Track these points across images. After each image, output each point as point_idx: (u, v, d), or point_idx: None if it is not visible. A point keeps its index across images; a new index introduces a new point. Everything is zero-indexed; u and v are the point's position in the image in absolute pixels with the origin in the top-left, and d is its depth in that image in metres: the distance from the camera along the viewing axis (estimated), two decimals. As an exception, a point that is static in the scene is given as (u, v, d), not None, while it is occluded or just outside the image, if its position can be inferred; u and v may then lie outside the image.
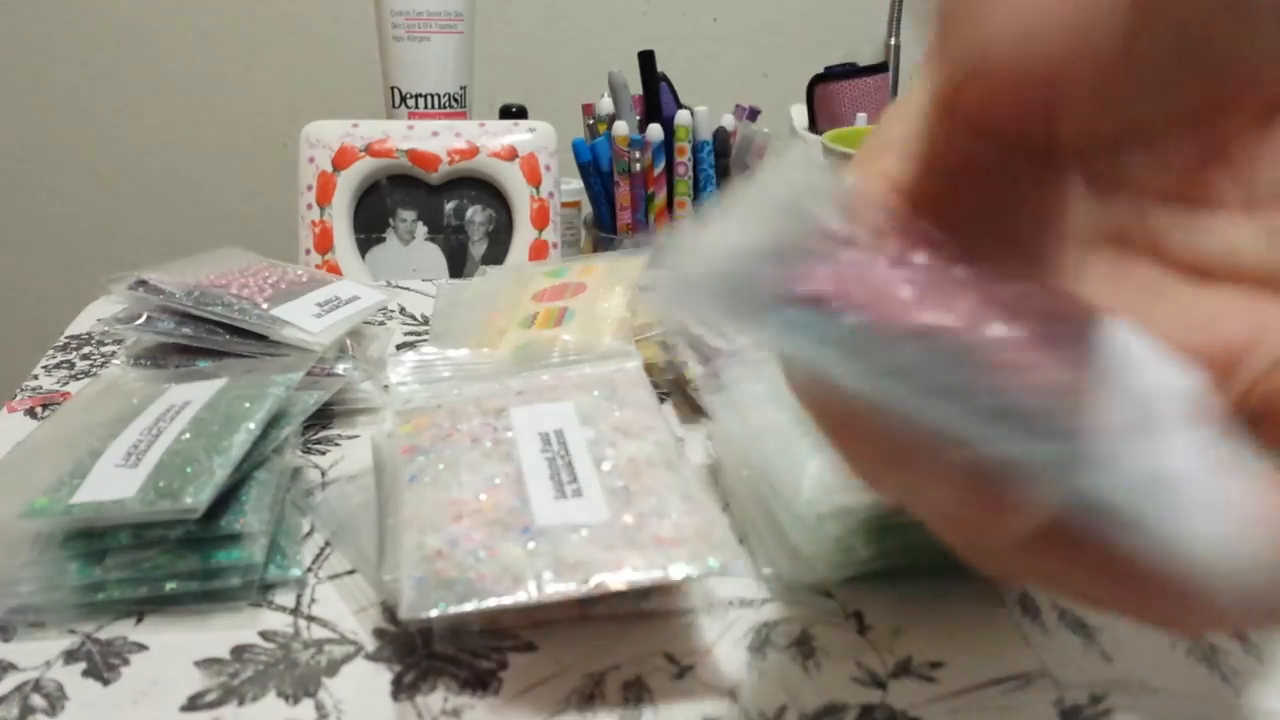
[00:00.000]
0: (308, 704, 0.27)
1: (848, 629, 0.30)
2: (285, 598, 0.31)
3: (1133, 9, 0.16)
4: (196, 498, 0.29)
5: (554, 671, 0.28)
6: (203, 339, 0.41)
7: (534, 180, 0.84)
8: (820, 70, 0.98)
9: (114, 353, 0.49)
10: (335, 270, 0.83)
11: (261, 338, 0.41)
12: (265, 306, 0.42)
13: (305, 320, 0.42)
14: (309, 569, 0.33)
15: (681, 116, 0.81)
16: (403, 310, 0.56)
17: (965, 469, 0.15)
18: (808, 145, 0.95)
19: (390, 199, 0.82)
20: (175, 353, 0.42)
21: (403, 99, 0.87)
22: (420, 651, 0.29)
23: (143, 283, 0.42)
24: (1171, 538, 0.14)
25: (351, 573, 0.32)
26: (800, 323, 0.15)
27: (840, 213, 0.17)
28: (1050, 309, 0.16)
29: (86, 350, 0.50)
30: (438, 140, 0.80)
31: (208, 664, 0.28)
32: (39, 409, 0.43)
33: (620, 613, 0.30)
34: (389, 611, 0.30)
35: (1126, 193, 0.20)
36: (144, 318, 0.42)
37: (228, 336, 0.41)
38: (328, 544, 0.34)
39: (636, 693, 0.27)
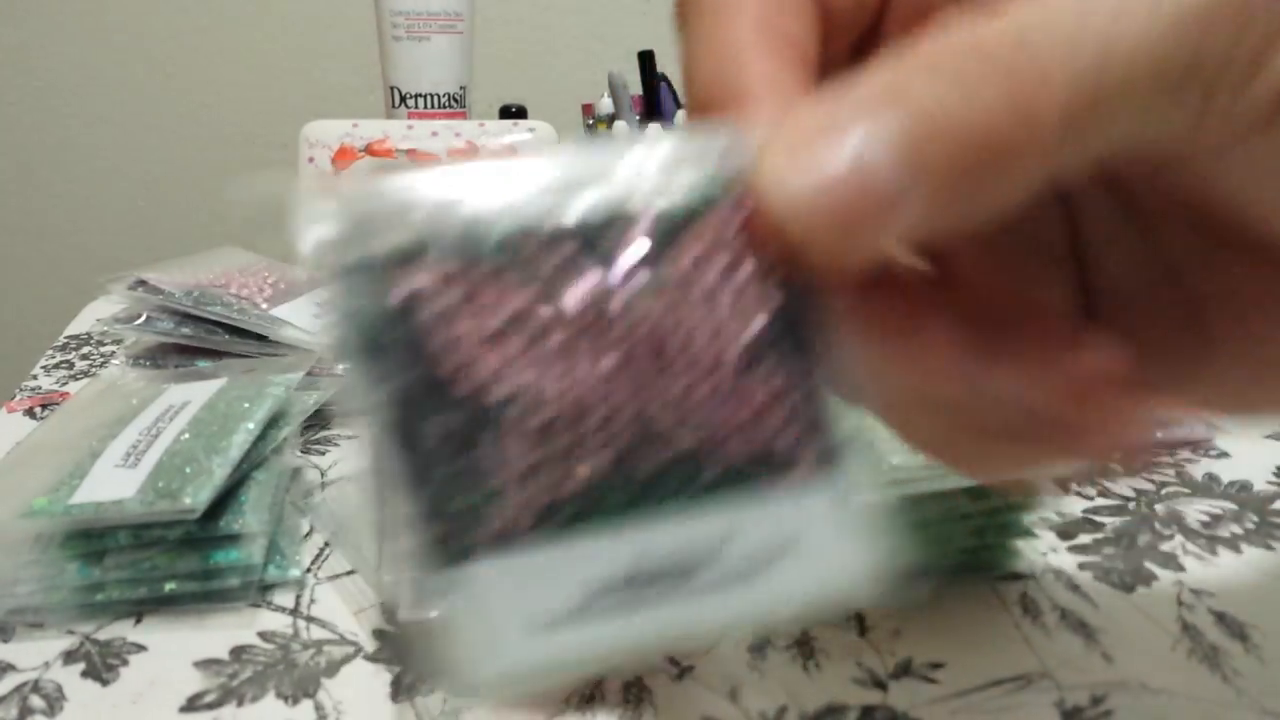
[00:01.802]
0: (307, 705, 0.27)
1: (848, 629, 0.30)
2: (284, 598, 0.31)
3: None
4: (195, 498, 0.29)
5: (553, 672, 0.28)
6: (202, 339, 0.41)
7: (534, 180, 0.84)
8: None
9: (113, 353, 0.49)
10: (335, 270, 0.83)
11: (261, 338, 0.41)
12: (264, 306, 0.42)
13: (305, 320, 0.42)
14: (308, 570, 0.32)
15: (681, 117, 0.81)
16: (402, 310, 0.56)
17: None
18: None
19: (390, 199, 0.83)
20: (174, 353, 0.42)
21: (402, 99, 0.87)
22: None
23: (142, 282, 0.42)
24: None
25: (351, 573, 0.32)
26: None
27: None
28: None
29: (86, 350, 0.50)
30: (437, 140, 0.80)
31: (207, 665, 0.28)
32: (38, 409, 0.43)
33: (620, 613, 0.30)
34: (389, 612, 0.30)
35: None
36: (143, 317, 0.41)
37: (227, 336, 0.41)
38: (327, 545, 0.34)
39: (636, 694, 0.27)
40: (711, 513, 0.15)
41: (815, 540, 0.15)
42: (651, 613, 0.14)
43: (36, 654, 0.29)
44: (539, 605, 0.14)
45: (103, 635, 0.29)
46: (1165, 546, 0.34)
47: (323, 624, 0.30)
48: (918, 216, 0.15)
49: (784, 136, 0.15)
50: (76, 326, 0.53)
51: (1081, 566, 0.32)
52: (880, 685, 0.27)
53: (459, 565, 0.14)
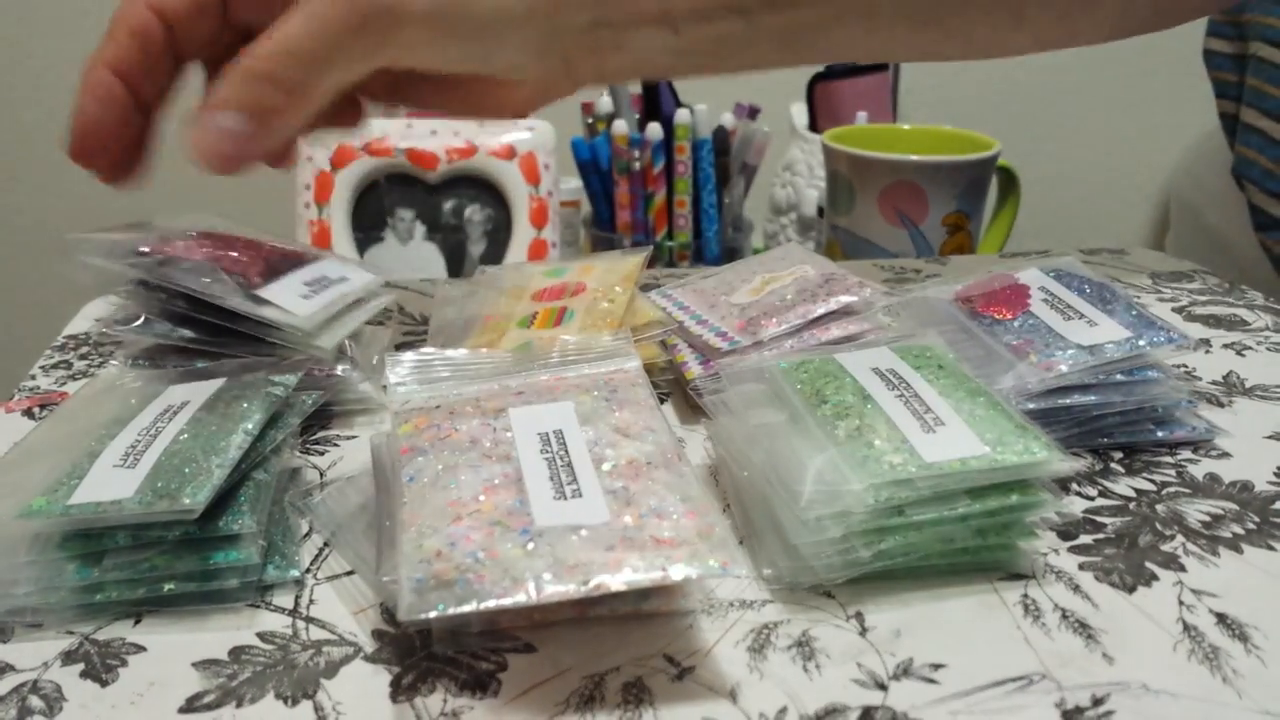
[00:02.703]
0: (306, 705, 0.27)
1: (849, 630, 0.30)
2: (283, 599, 0.31)
3: None
4: (194, 498, 0.29)
5: (553, 673, 0.28)
6: (201, 342, 0.41)
7: (533, 179, 0.84)
8: (820, 68, 0.97)
9: (112, 353, 0.49)
10: (333, 269, 0.83)
11: (257, 339, 0.41)
12: (258, 281, 0.42)
13: (292, 301, 0.41)
14: (307, 570, 0.32)
15: (681, 115, 0.81)
16: (401, 310, 0.55)
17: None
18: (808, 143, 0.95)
19: (388, 198, 0.82)
20: (173, 353, 0.42)
21: (401, 98, 0.86)
22: (419, 653, 0.29)
23: (142, 283, 0.41)
24: None
25: (350, 574, 0.32)
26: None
27: None
28: None
29: (84, 350, 0.50)
30: (436, 139, 0.80)
31: (206, 665, 0.28)
32: (37, 409, 0.43)
33: (620, 614, 0.30)
34: (388, 613, 0.30)
35: None
36: (141, 319, 0.41)
37: (224, 339, 0.41)
38: (326, 545, 0.34)
39: (636, 694, 0.27)
40: None
41: None
42: None
43: (35, 654, 0.29)
44: None
45: (102, 636, 0.29)
46: (1166, 547, 0.33)
47: (322, 625, 0.30)
48: (251, 134, 0.36)
49: (195, 125, 0.36)
50: (75, 326, 0.53)
51: (1082, 567, 0.32)
52: (881, 686, 0.27)
53: None
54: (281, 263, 0.44)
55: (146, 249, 0.42)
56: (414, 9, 0.35)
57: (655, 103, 0.86)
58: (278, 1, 0.36)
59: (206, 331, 0.41)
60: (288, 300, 0.41)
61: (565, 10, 0.36)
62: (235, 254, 0.43)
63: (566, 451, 0.30)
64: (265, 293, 0.41)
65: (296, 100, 0.36)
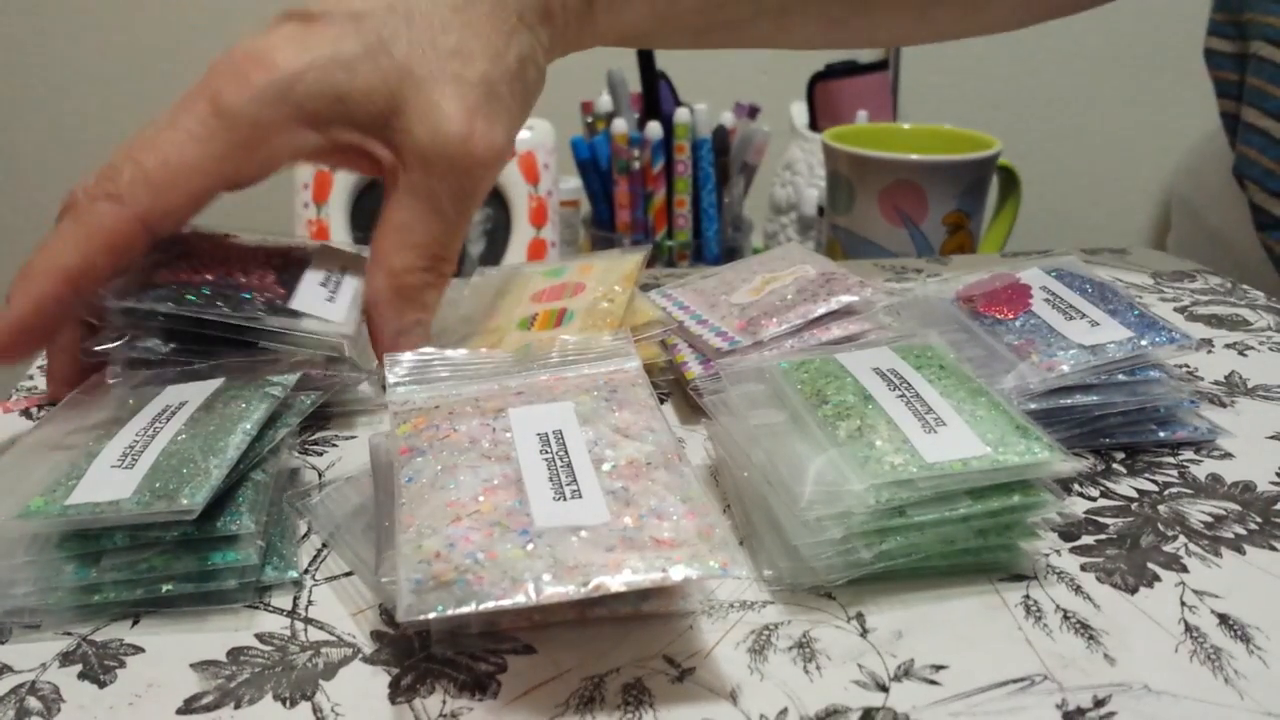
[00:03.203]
0: (305, 707, 0.27)
1: (849, 631, 0.29)
2: (282, 600, 0.31)
3: None
4: (193, 499, 0.29)
5: (553, 674, 0.28)
6: (190, 356, 0.40)
7: (532, 178, 0.84)
8: (820, 68, 0.97)
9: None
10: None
11: (251, 344, 0.40)
12: (282, 291, 0.41)
13: (320, 306, 0.41)
14: (306, 571, 0.32)
15: (681, 114, 0.81)
16: (401, 309, 0.55)
17: None
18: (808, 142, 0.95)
19: (388, 197, 0.82)
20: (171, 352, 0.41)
21: (401, 97, 0.86)
22: (418, 654, 0.28)
23: (130, 310, 0.39)
24: None
25: (349, 575, 0.32)
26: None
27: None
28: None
29: (83, 350, 0.49)
30: (436, 138, 0.80)
31: (204, 666, 0.28)
32: (34, 409, 0.43)
33: (620, 615, 0.30)
34: (387, 614, 0.30)
35: None
36: (127, 338, 0.40)
37: (216, 346, 0.40)
38: (325, 546, 0.34)
39: (636, 696, 0.27)
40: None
41: None
42: None
43: (33, 655, 0.29)
44: None
45: (100, 637, 0.29)
46: (1168, 548, 0.33)
47: (320, 625, 0.30)
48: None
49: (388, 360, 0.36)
50: (73, 325, 0.52)
51: (1084, 568, 0.32)
52: (882, 687, 0.27)
53: None
54: (286, 267, 0.43)
55: (160, 279, 0.39)
56: (501, 152, 0.40)
57: (655, 102, 0.86)
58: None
59: (194, 342, 0.40)
60: (318, 307, 0.40)
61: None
62: (240, 262, 0.42)
63: (566, 452, 0.30)
64: (296, 303, 0.40)
65: (452, 268, 0.41)
